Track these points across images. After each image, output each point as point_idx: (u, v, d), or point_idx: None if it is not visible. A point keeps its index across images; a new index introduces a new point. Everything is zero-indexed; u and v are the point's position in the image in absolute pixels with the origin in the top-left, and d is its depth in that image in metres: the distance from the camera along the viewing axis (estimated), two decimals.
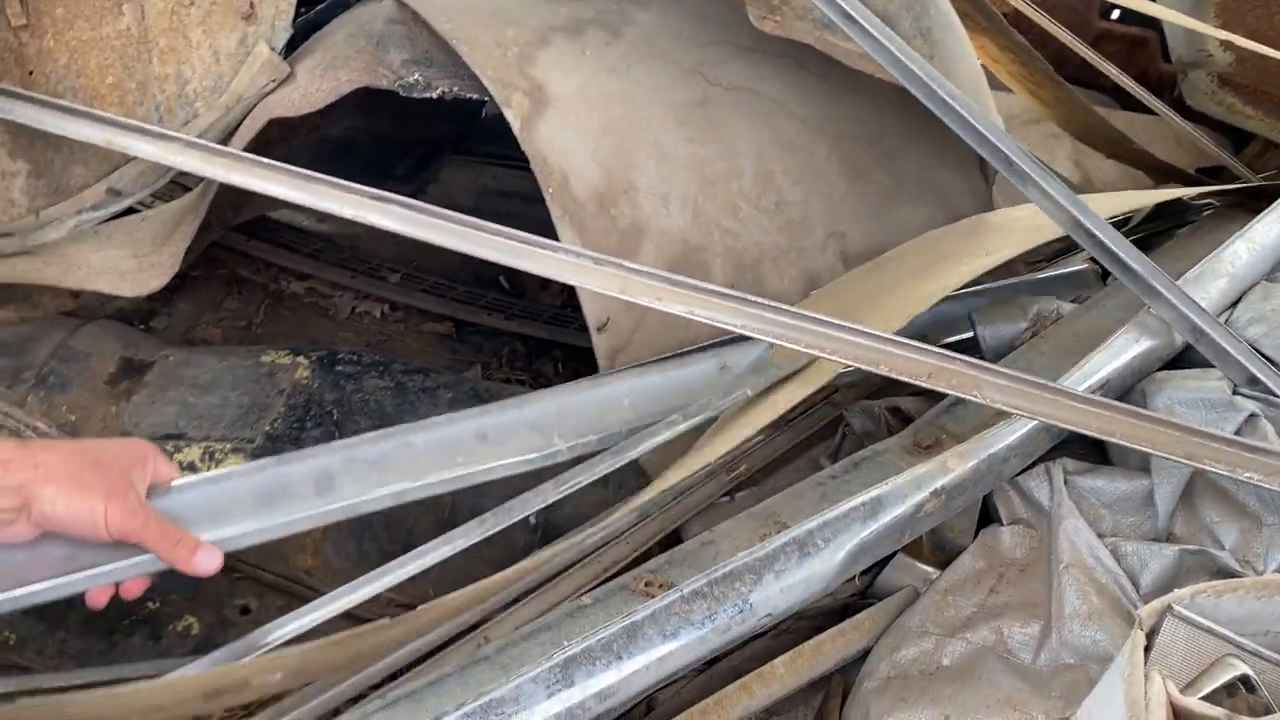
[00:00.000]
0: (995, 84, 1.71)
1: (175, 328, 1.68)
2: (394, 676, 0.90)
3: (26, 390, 1.35)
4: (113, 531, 0.83)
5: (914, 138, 1.59)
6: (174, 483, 0.90)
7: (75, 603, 1.21)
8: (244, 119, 1.28)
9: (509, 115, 1.29)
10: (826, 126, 1.52)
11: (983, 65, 1.63)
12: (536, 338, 1.80)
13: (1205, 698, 0.74)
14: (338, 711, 0.86)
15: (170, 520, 0.86)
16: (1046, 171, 1.18)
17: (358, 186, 1.07)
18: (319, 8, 1.64)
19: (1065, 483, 1.08)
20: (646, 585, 0.90)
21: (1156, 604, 0.78)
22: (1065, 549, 1.03)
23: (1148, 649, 0.77)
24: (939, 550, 1.14)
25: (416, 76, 1.31)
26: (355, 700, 0.83)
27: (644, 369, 1.19)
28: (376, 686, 0.89)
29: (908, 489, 0.94)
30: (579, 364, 1.75)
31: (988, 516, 1.15)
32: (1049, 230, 1.28)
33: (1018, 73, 1.79)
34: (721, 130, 1.47)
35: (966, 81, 1.51)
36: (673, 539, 1.07)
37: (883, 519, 0.92)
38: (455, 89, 1.33)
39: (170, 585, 1.27)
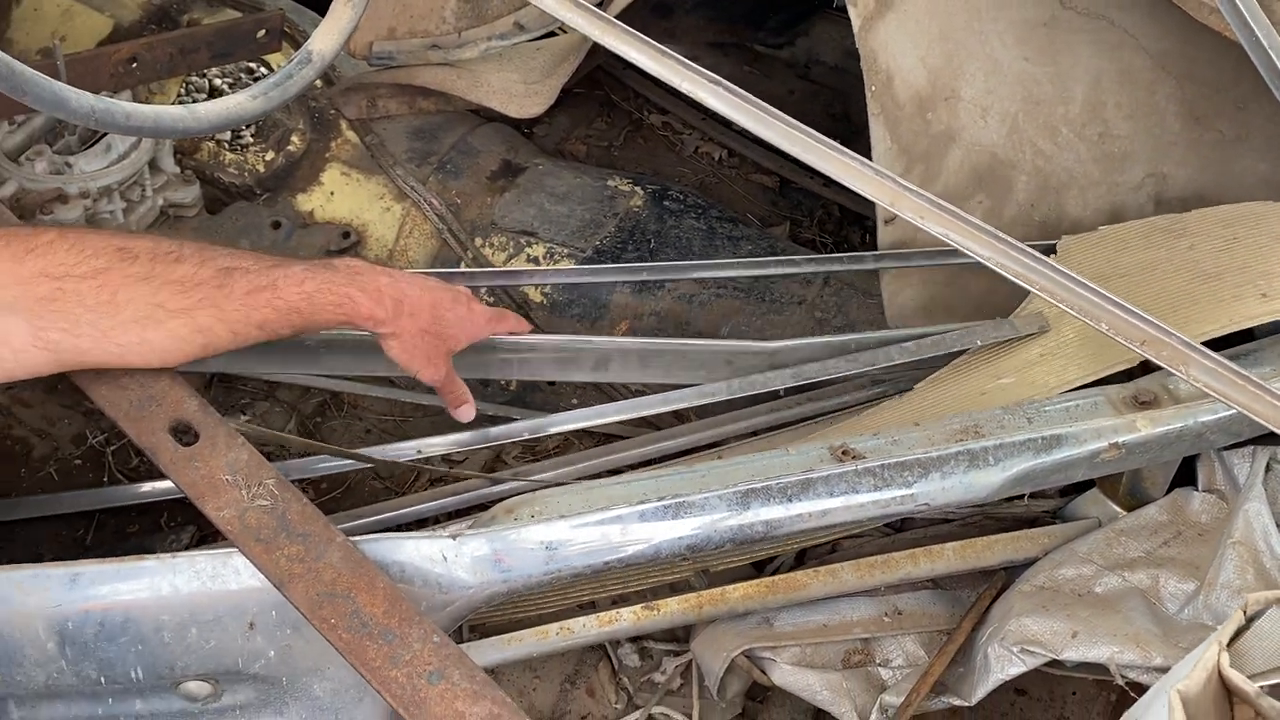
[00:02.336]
0: None
1: (552, 137, 1.99)
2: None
3: (429, 171, 1.71)
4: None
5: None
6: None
7: None
8: None
9: (852, 13, 1.42)
10: (1174, 65, 1.51)
11: None
12: (851, 209, 1.95)
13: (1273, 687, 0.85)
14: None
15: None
16: None
17: (694, 66, 1.26)
18: None
19: (1268, 469, 1.14)
20: (843, 453, 1.10)
21: (1268, 594, 0.88)
22: (1240, 526, 1.10)
23: (1244, 630, 0.87)
24: (1131, 495, 1.24)
25: None
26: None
27: None
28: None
29: (1088, 436, 1.06)
30: None
31: (1191, 476, 1.23)
32: None
33: None
34: (1061, 54, 1.51)
35: None
36: None
37: (1055, 456, 1.05)
38: None
39: None
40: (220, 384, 1.50)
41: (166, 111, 1.03)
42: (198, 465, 0.95)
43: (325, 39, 1.15)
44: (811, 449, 1.10)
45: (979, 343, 1.30)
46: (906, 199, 1.17)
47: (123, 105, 0.97)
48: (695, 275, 1.53)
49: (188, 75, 1.64)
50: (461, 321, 1.16)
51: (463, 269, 1.60)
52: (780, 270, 1.52)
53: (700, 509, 0.99)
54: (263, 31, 1.52)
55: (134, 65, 1.40)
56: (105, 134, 1.42)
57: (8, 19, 1.76)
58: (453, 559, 0.95)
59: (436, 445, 1.32)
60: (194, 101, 1.64)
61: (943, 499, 1.04)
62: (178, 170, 1.59)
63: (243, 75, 1.86)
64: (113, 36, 1.73)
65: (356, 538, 0.94)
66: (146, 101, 1.67)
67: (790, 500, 1.01)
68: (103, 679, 0.96)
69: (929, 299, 1.50)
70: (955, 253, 1.34)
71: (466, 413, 1.22)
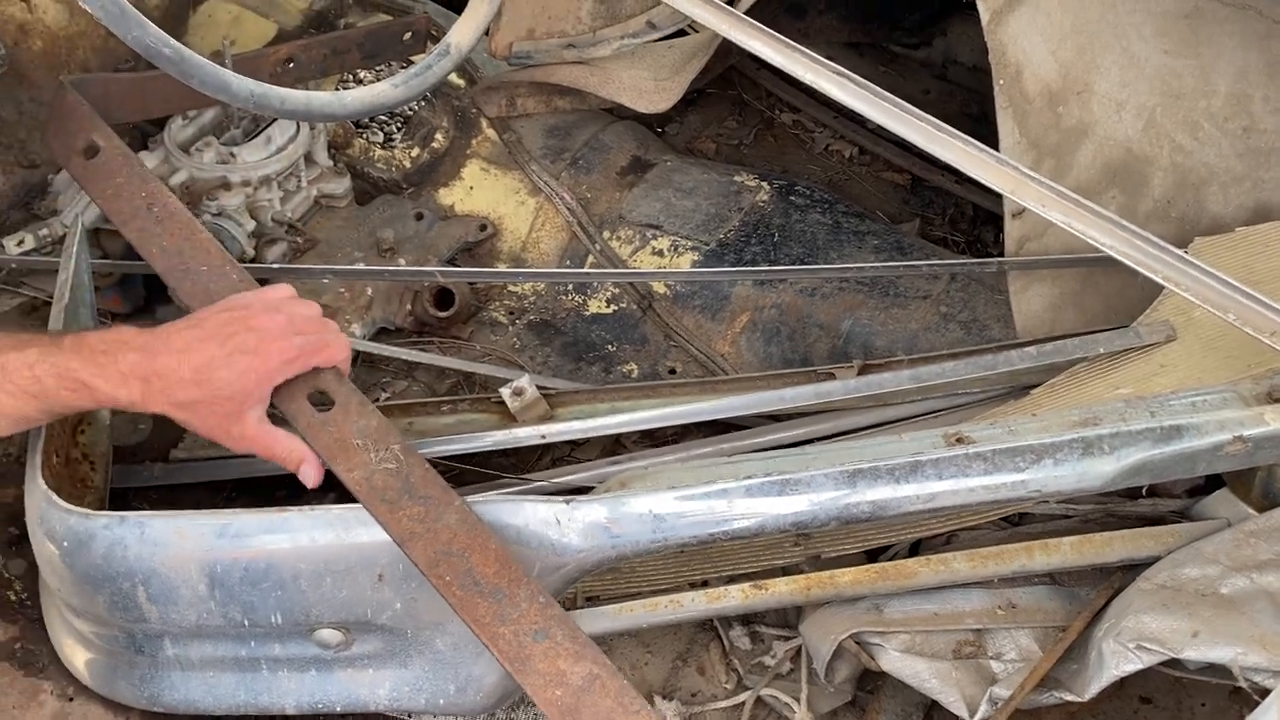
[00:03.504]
0: None
1: (683, 135, 2.04)
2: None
3: (563, 167, 1.77)
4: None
5: None
6: None
7: (561, 329, 1.64)
8: None
9: (981, 7, 1.42)
10: None
11: None
12: (984, 207, 1.93)
13: None
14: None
15: None
16: None
17: (824, 61, 1.28)
18: None
19: None
20: (957, 440, 1.10)
21: None
22: None
23: None
24: (1265, 497, 1.20)
25: None
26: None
27: None
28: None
29: (1212, 427, 1.03)
30: None
31: None
32: None
33: None
34: (1203, 46, 1.47)
35: None
36: None
37: (1174, 446, 1.03)
38: None
39: (625, 336, 1.66)
40: (364, 362, 1.59)
41: (316, 97, 1.12)
42: (331, 429, 1.02)
43: (463, 32, 1.22)
44: (924, 435, 1.10)
45: (1101, 350, 1.28)
46: (1031, 187, 1.17)
47: (278, 90, 1.06)
48: (815, 275, 1.55)
49: (341, 75, 1.75)
50: (242, 378, 0.98)
51: (590, 269, 1.66)
52: (903, 270, 1.52)
53: (807, 486, 1.02)
54: (409, 34, 1.62)
55: (290, 64, 1.50)
56: (266, 127, 1.53)
57: (185, 25, 1.91)
58: (566, 523, 1.00)
59: (561, 431, 1.37)
60: None
61: (1055, 486, 1.03)
62: (331, 163, 1.69)
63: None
64: (276, 40, 1.86)
65: (475, 498, 0.99)
66: None
67: (898, 481, 1.02)
68: (246, 621, 1.05)
69: (1058, 296, 1.47)
70: (1085, 254, 1.33)
71: (308, 474, 1.03)
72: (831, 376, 1.40)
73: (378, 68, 1.79)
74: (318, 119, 1.45)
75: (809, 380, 1.40)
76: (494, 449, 1.37)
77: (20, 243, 1.48)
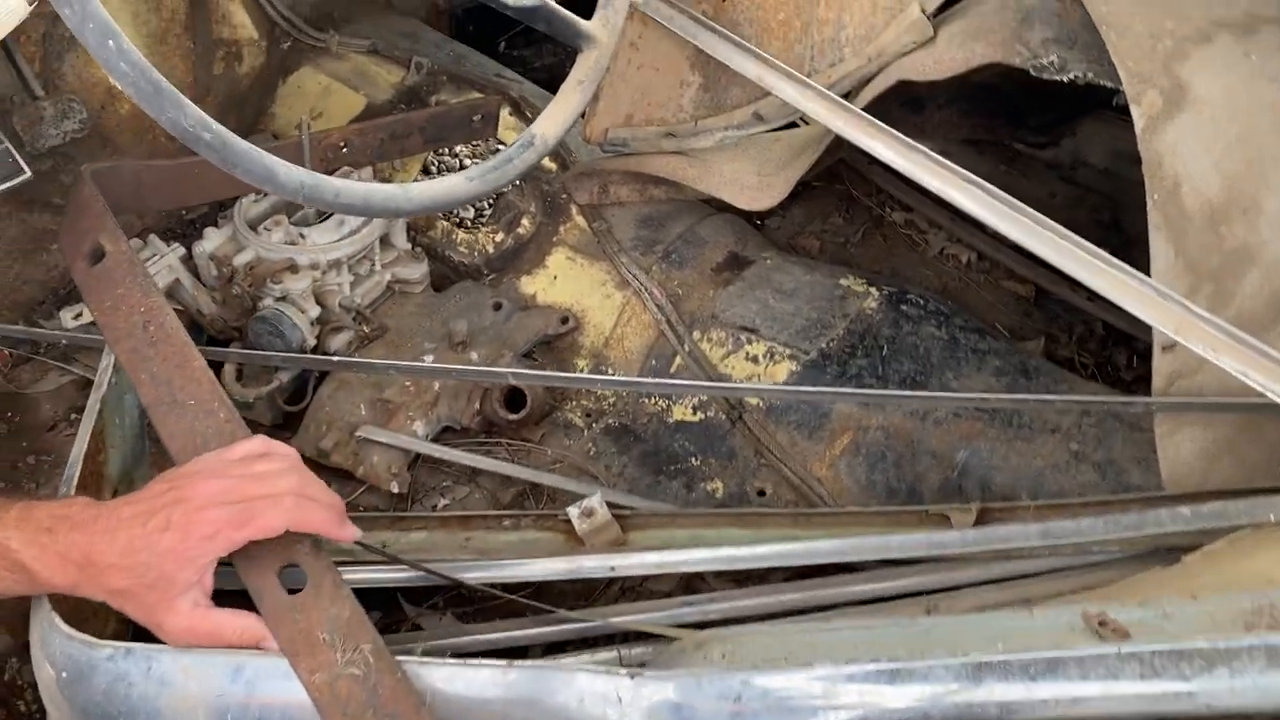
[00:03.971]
0: None
1: (784, 231, 1.90)
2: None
3: (654, 260, 1.64)
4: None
5: None
6: None
7: (641, 436, 1.50)
8: (878, 73, 1.39)
9: (1135, 113, 1.25)
10: None
11: None
12: (1118, 327, 1.74)
13: None
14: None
15: None
16: None
17: (946, 163, 1.14)
18: None
19: None
20: (1101, 623, 0.92)
21: None
22: None
23: None
24: None
25: (1053, 58, 1.31)
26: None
27: None
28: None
29: None
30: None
31: None
32: None
33: None
34: None
35: None
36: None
37: None
38: (1090, 75, 1.31)
39: (711, 449, 1.51)
40: (424, 464, 1.47)
41: (377, 190, 1.01)
42: (298, 617, 0.89)
43: (550, 122, 1.10)
44: (1061, 614, 0.93)
45: (1272, 518, 1.08)
46: (1195, 326, 1.00)
47: (332, 182, 0.95)
48: (930, 403, 1.38)
49: (435, 151, 1.66)
50: (162, 560, 0.86)
51: (677, 372, 1.52)
52: (1031, 402, 1.35)
53: (922, 678, 0.84)
54: (478, 116, 1.51)
55: (344, 149, 1.42)
56: None
57: (273, 95, 1.86)
58: (628, 702, 0.84)
59: (633, 565, 1.22)
60: (439, 175, 1.66)
61: (1228, 701, 0.84)
62: (409, 246, 1.59)
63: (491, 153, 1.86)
64: (364, 114, 1.79)
65: (523, 664, 0.85)
66: (388, 179, 1.70)
67: (1033, 679, 0.84)
68: None
69: (1212, 443, 1.28)
70: (1248, 398, 1.14)
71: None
72: (945, 519, 1.23)
73: (474, 143, 1.70)
74: (378, 214, 1.35)
75: (919, 522, 1.23)
76: (557, 578, 1.22)
77: (77, 315, 1.40)
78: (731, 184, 1.50)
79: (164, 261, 1.38)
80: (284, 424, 1.50)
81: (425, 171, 1.72)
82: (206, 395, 1.03)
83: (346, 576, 0.93)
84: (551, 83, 1.74)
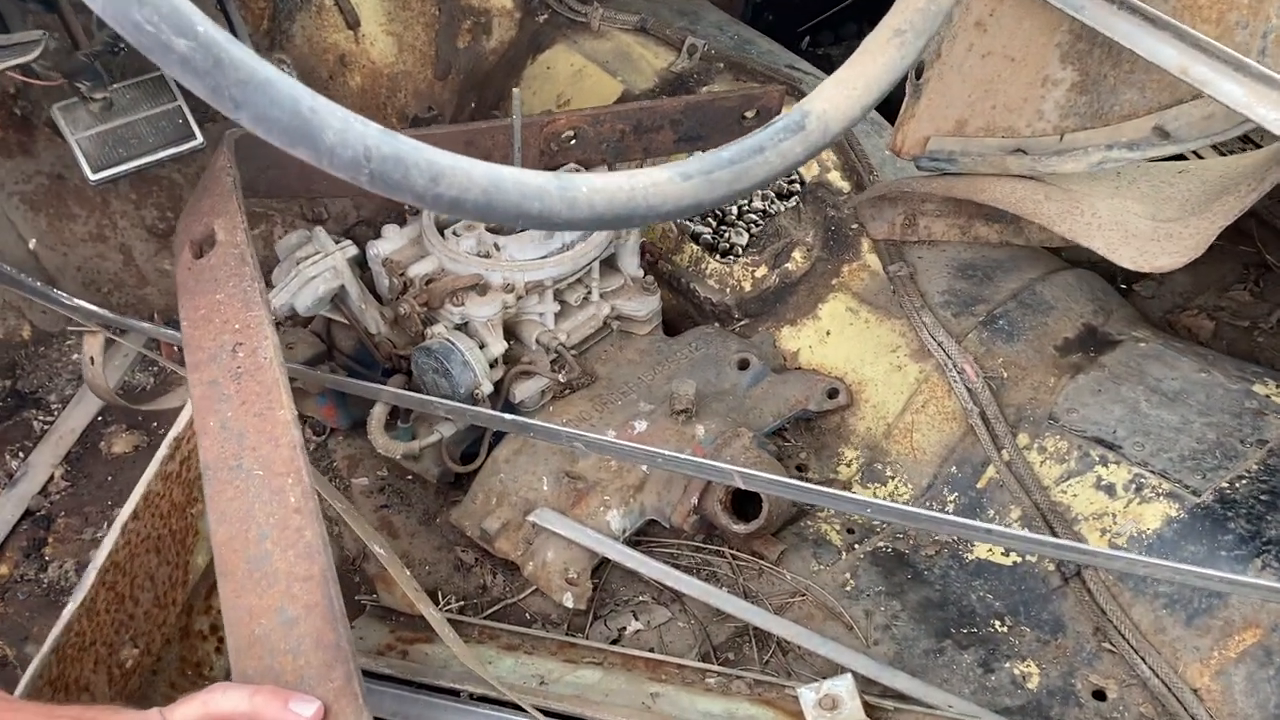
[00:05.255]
0: None
1: (1161, 300, 1.38)
2: None
3: (971, 326, 1.18)
4: None
5: None
6: None
7: (922, 574, 1.05)
8: None
9: None
10: None
11: None
12: None
13: None
14: None
15: None
16: None
17: None
18: None
19: None
20: None
21: None
22: None
23: None
24: None
25: None
26: None
27: None
28: None
29: None
30: None
31: None
32: None
33: None
34: None
35: None
36: None
37: None
38: None
39: (1027, 612, 1.03)
40: (614, 568, 1.09)
41: (508, 175, 0.60)
42: None
43: (833, 100, 0.66)
44: None
45: None
46: None
47: (421, 150, 0.57)
48: None
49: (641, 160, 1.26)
50: None
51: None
52: None
53: None
54: (752, 112, 1.11)
55: (571, 141, 1.06)
56: None
57: (519, 76, 1.55)
58: None
59: None
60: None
61: None
62: (640, 274, 1.22)
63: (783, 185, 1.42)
64: (620, 101, 1.44)
65: None
66: None
67: None
68: None
69: None
70: None
71: None
72: None
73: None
74: (498, 215, 0.95)
75: None
76: None
77: None
78: (1111, 229, 1.01)
79: (329, 262, 1.08)
80: (457, 483, 1.17)
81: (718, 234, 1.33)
82: (282, 466, 0.71)
83: None
84: None
